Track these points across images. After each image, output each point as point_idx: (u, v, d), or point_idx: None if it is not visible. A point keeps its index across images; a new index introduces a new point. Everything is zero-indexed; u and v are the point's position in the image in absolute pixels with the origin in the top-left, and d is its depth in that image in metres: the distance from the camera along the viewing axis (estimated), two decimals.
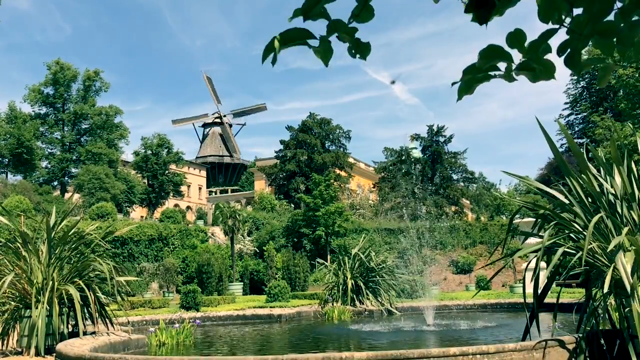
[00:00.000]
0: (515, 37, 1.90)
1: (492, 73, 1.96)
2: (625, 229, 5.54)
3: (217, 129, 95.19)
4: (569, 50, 1.87)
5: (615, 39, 1.82)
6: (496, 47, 1.91)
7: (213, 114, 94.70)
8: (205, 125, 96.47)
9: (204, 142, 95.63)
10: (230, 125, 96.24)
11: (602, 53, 1.88)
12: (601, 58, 2.01)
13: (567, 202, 6.45)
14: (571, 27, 1.82)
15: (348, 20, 1.94)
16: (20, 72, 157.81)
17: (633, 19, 1.79)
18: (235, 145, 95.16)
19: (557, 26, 1.84)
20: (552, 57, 1.90)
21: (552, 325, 6.07)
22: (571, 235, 6.28)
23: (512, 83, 1.98)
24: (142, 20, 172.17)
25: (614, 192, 6.11)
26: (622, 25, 1.79)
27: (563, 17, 1.81)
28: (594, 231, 5.95)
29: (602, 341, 5.75)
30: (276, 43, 1.93)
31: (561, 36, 1.88)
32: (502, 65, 1.95)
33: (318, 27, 1.97)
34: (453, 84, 2.01)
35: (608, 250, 5.31)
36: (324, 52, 2.00)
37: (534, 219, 7.01)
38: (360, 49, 2.01)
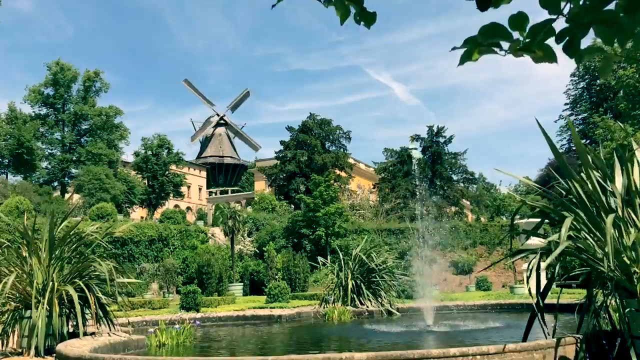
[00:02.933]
0: (517, 20, 1.89)
1: (496, 49, 1.94)
2: (632, 230, 5.53)
3: (218, 130, 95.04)
4: (567, 37, 1.86)
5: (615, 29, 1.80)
6: (497, 25, 1.91)
7: (212, 117, 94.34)
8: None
9: (204, 143, 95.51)
10: (226, 124, 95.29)
11: (603, 42, 1.87)
12: (601, 48, 2.00)
13: (567, 202, 6.45)
14: (570, 17, 1.81)
15: None
16: (22, 73, 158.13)
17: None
18: (232, 146, 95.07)
19: (554, 16, 1.83)
20: (551, 43, 1.88)
21: (553, 325, 6.06)
22: (571, 235, 6.26)
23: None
24: (143, 21, 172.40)
25: (614, 192, 6.09)
26: (621, 15, 1.77)
27: (562, 6, 1.80)
28: (595, 232, 5.94)
29: (603, 342, 5.75)
30: None
31: (562, 23, 1.87)
32: (505, 45, 1.93)
33: None
34: (453, 48, 1.99)
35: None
36: (343, 11, 2.00)
37: (536, 219, 7.00)
38: (365, 17, 2.01)
